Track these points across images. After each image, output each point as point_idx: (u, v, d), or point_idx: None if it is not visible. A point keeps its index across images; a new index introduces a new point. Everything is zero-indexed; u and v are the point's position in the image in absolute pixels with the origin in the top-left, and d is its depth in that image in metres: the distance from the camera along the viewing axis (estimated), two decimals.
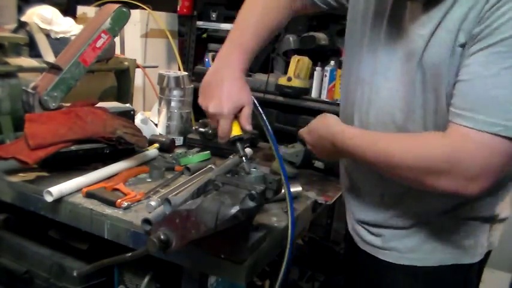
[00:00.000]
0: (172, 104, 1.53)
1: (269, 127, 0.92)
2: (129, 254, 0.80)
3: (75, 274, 1.01)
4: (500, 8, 0.70)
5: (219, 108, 0.88)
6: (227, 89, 0.89)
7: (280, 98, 2.45)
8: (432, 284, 0.93)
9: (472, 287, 0.97)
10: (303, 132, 1.06)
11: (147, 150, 1.36)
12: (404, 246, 0.92)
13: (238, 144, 0.91)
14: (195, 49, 2.88)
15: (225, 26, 2.75)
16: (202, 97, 0.92)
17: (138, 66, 1.92)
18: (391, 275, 0.95)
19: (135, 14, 2.53)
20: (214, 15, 2.77)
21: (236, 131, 0.91)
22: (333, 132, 0.93)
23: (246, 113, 0.90)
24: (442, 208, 0.89)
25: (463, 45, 0.75)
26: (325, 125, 0.97)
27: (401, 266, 0.93)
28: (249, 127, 0.90)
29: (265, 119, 0.93)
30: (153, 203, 0.96)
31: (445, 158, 0.74)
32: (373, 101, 0.90)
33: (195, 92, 1.61)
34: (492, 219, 0.93)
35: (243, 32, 0.97)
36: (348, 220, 1.08)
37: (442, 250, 0.90)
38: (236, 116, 0.90)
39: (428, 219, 0.90)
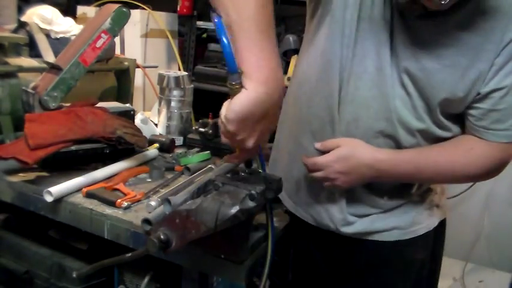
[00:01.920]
0: (172, 104, 1.53)
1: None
2: (129, 254, 0.80)
3: (74, 275, 1.01)
4: None
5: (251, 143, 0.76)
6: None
7: None
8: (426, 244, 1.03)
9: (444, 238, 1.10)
10: (326, 161, 0.91)
11: (147, 150, 1.36)
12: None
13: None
14: (195, 49, 2.88)
15: None
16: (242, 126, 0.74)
17: (138, 66, 1.92)
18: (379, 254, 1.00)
19: (135, 14, 2.53)
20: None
21: None
22: (375, 157, 0.91)
23: None
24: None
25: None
26: (360, 151, 0.91)
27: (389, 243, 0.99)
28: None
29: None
30: (153, 203, 0.96)
31: (497, 165, 0.91)
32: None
33: (195, 92, 1.62)
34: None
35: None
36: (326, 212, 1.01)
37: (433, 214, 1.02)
38: None
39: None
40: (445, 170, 0.92)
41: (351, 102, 0.90)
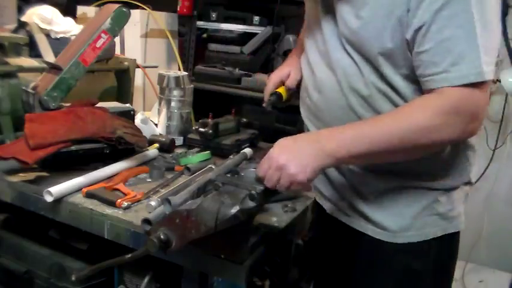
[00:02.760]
0: (172, 104, 1.53)
1: None
2: (129, 256, 0.80)
3: (73, 278, 1.00)
4: None
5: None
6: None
7: None
8: (424, 256, 0.97)
9: (455, 256, 1.02)
10: (268, 156, 0.86)
11: (147, 150, 1.36)
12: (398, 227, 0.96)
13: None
14: (195, 49, 2.88)
15: (225, 26, 2.75)
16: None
17: (138, 66, 1.92)
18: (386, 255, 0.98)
19: (135, 14, 2.53)
20: (214, 15, 2.77)
21: None
22: (317, 132, 0.96)
23: None
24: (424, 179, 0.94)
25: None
26: (300, 134, 0.92)
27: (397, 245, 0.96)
28: None
29: None
30: (153, 203, 0.96)
31: (456, 117, 0.80)
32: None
33: (195, 92, 1.62)
34: (470, 184, 1.00)
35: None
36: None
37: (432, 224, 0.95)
38: None
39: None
40: (397, 132, 0.82)
41: (314, 87, 0.99)
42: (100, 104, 1.31)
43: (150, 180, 1.20)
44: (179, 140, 1.53)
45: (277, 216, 1.07)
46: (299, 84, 1.13)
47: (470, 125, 0.81)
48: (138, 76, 2.03)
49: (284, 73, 1.18)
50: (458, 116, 0.80)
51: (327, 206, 1.07)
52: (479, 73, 0.77)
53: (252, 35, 2.72)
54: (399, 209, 0.95)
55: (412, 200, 0.95)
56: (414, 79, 0.85)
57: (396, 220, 0.95)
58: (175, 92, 1.52)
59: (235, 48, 2.76)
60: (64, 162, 1.17)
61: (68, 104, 1.25)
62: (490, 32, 0.79)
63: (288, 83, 1.17)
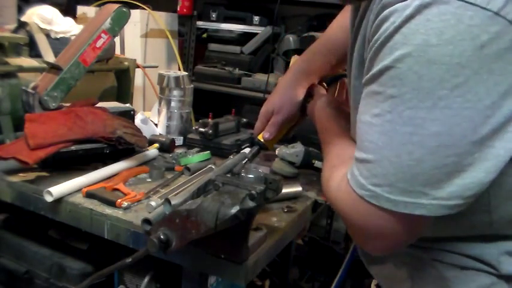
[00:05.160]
0: (172, 104, 1.53)
1: None
2: (130, 259, 0.79)
3: None
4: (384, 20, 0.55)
5: None
6: None
7: None
8: None
9: None
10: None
11: (147, 150, 1.36)
12: None
13: None
14: (195, 49, 2.88)
15: (225, 26, 2.75)
16: None
17: (138, 66, 1.92)
18: None
19: (135, 14, 2.53)
20: (214, 15, 2.77)
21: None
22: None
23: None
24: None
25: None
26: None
27: None
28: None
29: None
30: (153, 203, 0.96)
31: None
32: None
33: (195, 92, 1.62)
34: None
35: None
36: None
37: None
38: None
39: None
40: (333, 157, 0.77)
41: None
42: (100, 104, 1.31)
43: (150, 180, 1.20)
44: (179, 140, 1.53)
45: (277, 216, 1.07)
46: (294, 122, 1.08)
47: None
48: (138, 76, 2.04)
49: (274, 106, 1.07)
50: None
51: None
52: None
53: (252, 35, 2.73)
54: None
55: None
56: None
57: None
58: (175, 92, 1.52)
59: (235, 48, 2.77)
60: (64, 162, 1.17)
61: (68, 104, 1.25)
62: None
63: (275, 120, 1.06)
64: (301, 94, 1.05)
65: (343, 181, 0.63)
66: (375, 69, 0.56)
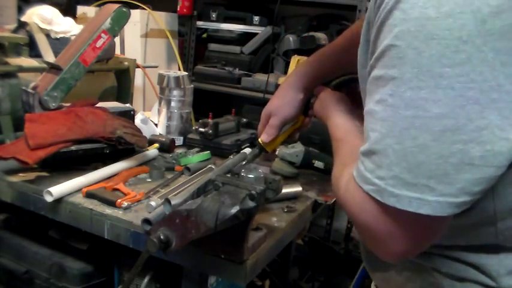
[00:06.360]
0: (172, 104, 1.53)
1: None
2: (134, 269, 0.77)
3: None
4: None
5: None
6: None
7: None
8: None
9: None
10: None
11: (147, 150, 1.36)
12: None
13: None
14: (195, 49, 2.88)
15: (225, 26, 2.75)
16: None
17: (138, 66, 1.92)
18: None
19: (135, 14, 2.53)
20: (214, 15, 2.77)
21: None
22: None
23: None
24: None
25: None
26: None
27: None
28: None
29: None
30: (153, 203, 0.96)
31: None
32: None
33: (195, 92, 1.62)
34: None
35: None
36: None
37: None
38: None
39: None
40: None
41: None
42: (100, 104, 1.31)
43: (150, 180, 1.20)
44: (179, 140, 1.53)
45: (277, 216, 1.07)
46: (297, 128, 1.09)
47: None
48: (138, 76, 2.03)
49: (272, 108, 1.07)
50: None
51: None
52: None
53: (252, 35, 2.73)
54: None
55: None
56: None
57: None
58: (175, 92, 1.52)
59: (235, 48, 2.77)
60: (64, 162, 1.17)
61: (68, 104, 1.25)
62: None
63: (272, 122, 1.06)
64: (302, 96, 1.05)
65: (351, 180, 0.61)
66: (377, 52, 0.54)
